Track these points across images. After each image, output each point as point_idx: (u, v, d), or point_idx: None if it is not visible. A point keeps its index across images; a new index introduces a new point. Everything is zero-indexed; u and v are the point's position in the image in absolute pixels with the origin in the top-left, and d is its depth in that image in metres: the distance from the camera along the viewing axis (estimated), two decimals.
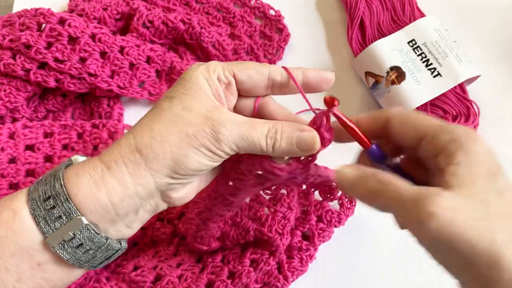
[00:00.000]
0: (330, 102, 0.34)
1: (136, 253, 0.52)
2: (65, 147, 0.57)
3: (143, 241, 0.53)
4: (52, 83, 0.57)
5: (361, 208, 0.56)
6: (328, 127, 0.34)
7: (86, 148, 0.57)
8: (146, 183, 0.32)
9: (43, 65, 0.56)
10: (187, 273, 0.49)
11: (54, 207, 0.32)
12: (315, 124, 0.34)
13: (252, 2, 0.67)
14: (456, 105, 0.57)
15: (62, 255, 0.32)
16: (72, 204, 0.32)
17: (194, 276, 0.49)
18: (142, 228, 0.52)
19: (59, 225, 0.32)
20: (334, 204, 0.55)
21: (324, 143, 0.34)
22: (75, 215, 0.32)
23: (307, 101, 0.36)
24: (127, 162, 0.32)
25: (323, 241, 0.54)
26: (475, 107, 0.58)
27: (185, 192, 0.35)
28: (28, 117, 0.59)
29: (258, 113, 0.37)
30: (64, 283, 0.34)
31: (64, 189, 0.32)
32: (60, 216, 0.32)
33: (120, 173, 0.32)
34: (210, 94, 0.33)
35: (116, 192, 0.32)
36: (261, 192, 0.46)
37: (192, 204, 0.43)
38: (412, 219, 0.27)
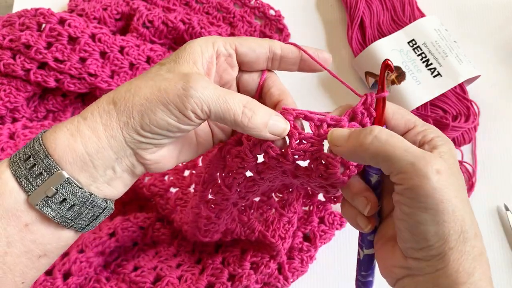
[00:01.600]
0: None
1: (136, 253, 0.52)
2: None
3: (143, 241, 0.53)
4: (52, 83, 0.57)
5: None
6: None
7: None
8: (116, 135, 0.33)
9: (43, 65, 0.56)
10: (187, 274, 0.49)
11: (34, 165, 0.32)
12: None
13: (252, 2, 0.67)
14: (456, 105, 0.57)
15: (47, 213, 0.32)
16: (52, 159, 0.32)
17: (194, 277, 0.49)
18: (142, 228, 0.52)
19: (40, 181, 0.32)
20: (336, 207, 0.55)
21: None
22: (55, 170, 0.32)
23: (320, 64, 0.37)
24: (101, 113, 0.33)
25: (324, 243, 0.54)
26: (475, 107, 0.58)
27: (160, 156, 0.35)
28: (28, 117, 0.59)
29: (263, 89, 0.38)
30: (55, 247, 0.34)
31: (43, 147, 0.32)
32: (41, 173, 0.32)
33: (95, 123, 0.33)
34: (199, 62, 0.34)
35: (91, 142, 0.32)
36: (272, 194, 0.46)
37: (199, 198, 0.42)
38: (416, 173, 0.30)
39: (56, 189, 0.32)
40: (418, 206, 0.30)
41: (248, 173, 0.38)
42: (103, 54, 0.58)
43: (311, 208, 0.54)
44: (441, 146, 0.32)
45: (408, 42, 0.59)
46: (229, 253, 0.51)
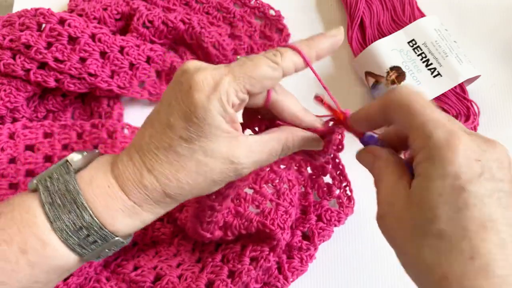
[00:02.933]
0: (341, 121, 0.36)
1: (136, 253, 0.52)
2: (65, 147, 0.57)
3: (143, 241, 0.53)
4: (52, 83, 0.57)
5: (360, 208, 0.56)
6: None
7: (86, 148, 0.57)
8: (173, 206, 0.35)
9: (43, 65, 0.56)
10: (187, 273, 0.49)
11: (88, 235, 0.33)
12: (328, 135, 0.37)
13: (252, 2, 0.67)
14: (456, 105, 0.57)
15: (94, 260, 0.35)
16: (107, 231, 0.33)
17: (194, 275, 0.49)
18: (142, 228, 0.52)
19: (95, 247, 0.33)
20: (333, 204, 0.55)
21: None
22: (111, 238, 0.33)
23: (324, 87, 0.37)
24: (158, 203, 0.34)
25: (323, 241, 0.54)
26: (475, 107, 0.58)
27: None
28: (28, 117, 0.59)
29: (271, 104, 0.37)
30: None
31: (96, 220, 0.32)
32: (96, 241, 0.33)
33: (154, 208, 0.34)
34: (226, 126, 0.32)
35: (150, 218, 0.35)
36: (264, 185, 0.46)
37: None
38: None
39: (109, 250, 0.35)
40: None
41: None
42: (103, 54, 0.58)
43: (308, 208, 0.54)
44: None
45: (408, 42, 0.59)
46: (229, 250, 0.51)
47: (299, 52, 0.33)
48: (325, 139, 0.38)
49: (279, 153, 0.35)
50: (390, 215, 0.30)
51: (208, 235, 0.48)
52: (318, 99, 0.36)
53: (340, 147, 0.39)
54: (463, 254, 0.26)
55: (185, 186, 0.33)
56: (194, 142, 0.31)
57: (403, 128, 0.30)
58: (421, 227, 0.28)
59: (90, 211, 0.32)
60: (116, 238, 0.33)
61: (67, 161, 0.34)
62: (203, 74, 0.31)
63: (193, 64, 0.33)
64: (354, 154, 0.37)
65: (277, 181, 0.45)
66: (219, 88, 0.31)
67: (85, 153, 0.35)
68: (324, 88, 0.36)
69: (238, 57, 0.34)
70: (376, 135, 0.35)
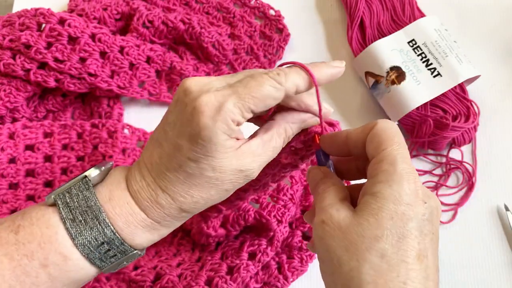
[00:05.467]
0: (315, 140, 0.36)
1: None
2: (64, 147, 0.57)
3: None
4: (52, 83, 0.57)
5: None
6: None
7: (86, 148, 0.57)
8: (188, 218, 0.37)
9: (43, 65, 0.56)
10: (186, 272, 0.49)
11: (109, 250, 0.34)
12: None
13: (252, 2, 0.67)
14: (456, 105, 0.57)
15: (112, 271, 0.36)
16: (128, 245, 0.34)
17: (194, 274, 0.49)
18: None
19: (114, 260, 0.35)
20: None
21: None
22: (130, 252, 0.35)
23: (319, 105, 0.36)
24: (174, 219, 0.35)
25: None
26: (475, 107, 0.58)
27: None
28: (28, 117, 0.59)
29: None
30: None
31: (118, 236, 0.34)
32: (116, 255, 0.34)
33: (171, 224, 0.36)
34: (231, 143, 0.32)
35: (167, 231, 0.36)
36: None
37: None
38: (316, 222, 0.32)
39: (126, 262, 0.36)
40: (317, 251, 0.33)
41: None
42: (103, 54, 0.58)
43: (309, 208, 0.54)
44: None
45: (408, 42, 0.59)
46: (228, 247, 0.51)
47: (307, 71, 0.34)
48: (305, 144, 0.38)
49: (282, 145, 0.36)
50: (333, 222, 0.31)
51: (213, 233, 0.48)
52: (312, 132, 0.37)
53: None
54: (398, 278, 0.28)
55: (200, 200, 0.34)
56: (202, 161, 0.32)
57: (371, 151, 0.32)
58: (365, 242, 0.29)
59: (112, 227, 0.33)
60: (135, 251, 0.35)
61: (85, 176, 0.34)
62: (207, 97, 0.31)
63: (195, 83, 0.32)
64: None
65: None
66: (223, 109, 0.31)
67: (102, 168, 0.35)
68: (319, 105, 0.36)
69: (240, 72, 0.34)
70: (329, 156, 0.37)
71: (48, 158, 0.56)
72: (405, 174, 0.30)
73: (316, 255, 0.53)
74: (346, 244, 0.29)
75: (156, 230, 0.35)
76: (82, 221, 0.33)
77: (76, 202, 0.33)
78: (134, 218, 0.34)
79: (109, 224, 0.33)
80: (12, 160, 0.55)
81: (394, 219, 0.29)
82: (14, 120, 0.59)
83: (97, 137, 0.57)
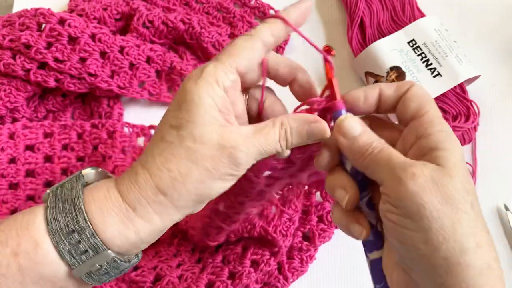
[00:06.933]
0: (328, 51, 0.34)
1: None
2: (65, 147, 0.57)
3: None
4: (52, 83, 0.57)
5: None
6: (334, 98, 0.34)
7: (86, 148, 0.57)
8: (174, 218, 0.33)
9: (43, 65, 0.56)
10: (187, 273, 0.49)
11: (79, 242, 0.31)
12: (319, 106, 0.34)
13: (252, 2, 0.67)
14: (456, 105, 0.57)
15: (88, 282, 0.33)
16: (99, 239, 0.32)
17: (194, 276, 0.49)
18: None
19: (85, 258, 0.32)
20: None
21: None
22: (101, 249, 0.32)
23: (310, 43, 0.35)
24: (151, 204, 0.32)
25: (324, 242, 0.54)
26: (475, 107, 0.58)
27: None
28: (28, 117, 0.59)
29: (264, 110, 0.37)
30: None
31: (90, 225, 0.31)
32: (87, 250, 0.32)
33: (147, 214, 0.32)
34: (217, 113, 0.32)
35: (145, 229, 0.32)
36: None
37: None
38: (394, 178, 0.29)
39: (100, 266, 0.32)
40: (400, 212, 0.29)
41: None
42: (103, 54, 0.58)
43: (310, 208, 0.54)
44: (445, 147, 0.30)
45: (408, 42, 0.59)
46: (229, 251, 0.51)
47: (276, 13, 0.35)
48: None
49: (277, 138, 0.33)
50: (425, 174, 0.29)
51: (214, 244, 0.48)
52: (326, 49, 0.35)
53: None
54: (486, 228, 0.30)
55: (177, 176, 0.31)
56: (183, 128, 0.31)
57: (410, 111, 0.32)
58: (461, 194, 0.29)
59: (84, 214, 0.32)
60: (108, 251, 0.32)
61: (81, 173, 0.34)
62: (193, 70, 0.33)
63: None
64: None
65: (286, 189, 0.45)
66: (205, 71, 0.32)
67: (100, 170, 0.35)
68: (316, 48, 0.35)
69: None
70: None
71: (48, 158, 0.56)
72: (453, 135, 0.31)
73: (316, 255, 0.53)
74: (443, 197, 0.29)
75: (131, 220, 0.32)
76: (61, 207, 0.32)
77: (63, 193, 0.33)
78: (110, 202, 0.32)
79: (83, 210, 0.32)
80: (12, 160, 0.55)
81: (466, 173, 0.30)
82: (14, 120, 0.59)
83: (97, 137, 0.57)
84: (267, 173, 0.38)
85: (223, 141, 0.31)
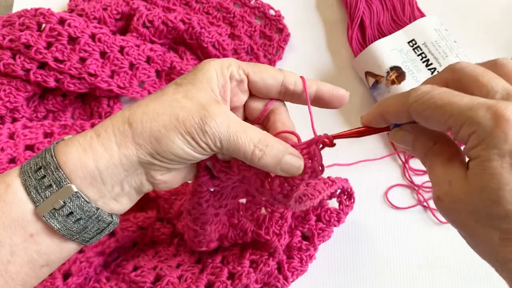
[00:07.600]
0: (330, 144, 0.34)
1: (136, 253, 0.52)
2: None
3: (143, 241, 0.53)
4: (52, 83, 0.57)
5: (361, 209, 0.56)
6: (321, 162, 0.34)
7: None
8: (130, 155, 0.33)
9: (43, 65, 0.56)
10: (187, 273, 0.49)
11: (44, 176, 0.32)
12: (309, 153, 0.34)
13: (252, 2, 0.67)
14: None
15: (53, 224, 0.33)
16: (62, 172, 0.32)
17: (194, 276, 0.49)
18: (142, 228, 0.52)
19: (49, 193, 0.32)
20: (332, 203, 0.55)
21: (312, 174, 0.34)
22: (65, 183, 0.32)
23: (311, 120, 0.35)
24: (116, 132, 0.33)
25: (323, 241, 0.54)
26: None
27: (170, 178, 0.36)
28: (28, 117, 0.59)
29: (266, 116, 0.38)
30: (57, 258, 0.35)
31: (54, 159, 0.32)
32: (51, 185, 0.32)
33: (108, 141, 0.33)
34: (215, 88, 0.34)
35: (102, 159, 0.33)
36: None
37: (185, 212, 0.43)
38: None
39: (64, 202, 0.32)
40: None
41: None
42: (103, 54, 0.58)
43: (309, 208, 0.54)
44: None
45: (408, 42, 0.59)
46: (228, 251, 0.51)
47: (302, 79, 0.37)
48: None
49: (256, 141, 0.33)
50: (449, 195, 0.28)
51: (204, 248, 0.48)
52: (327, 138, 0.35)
53: (320, 168, 0.35)
54: None
55: (150, 112, 0.33)
56: (183, 86, 0.34)
57: (437, 124, 0.30)
58: (484, 209, 0.27)
59: (52, 151, 0.33)
60: (71, 185, 0.32)
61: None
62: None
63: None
64: (355, 155, 0.36)
65: None
66: (224, 59, 0.36)
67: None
68: (310, 114, 0.36)
69: None
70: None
71: None
72: (490, 123, 0.28)
73: (315, 254, 0.53)
74: (467, 216, 0.28)
75: (91, 147, 0.33)
76: (36, 156, 0.34)
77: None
78: (79, 136, 0.33)
79: (51, 148, 0.33)
80: (12, 160, 0.55)
81: (503, 176, 0.27)
82: (14, 120, 0.59)
83: None
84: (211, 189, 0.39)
85: (206, 104, 0.33)
